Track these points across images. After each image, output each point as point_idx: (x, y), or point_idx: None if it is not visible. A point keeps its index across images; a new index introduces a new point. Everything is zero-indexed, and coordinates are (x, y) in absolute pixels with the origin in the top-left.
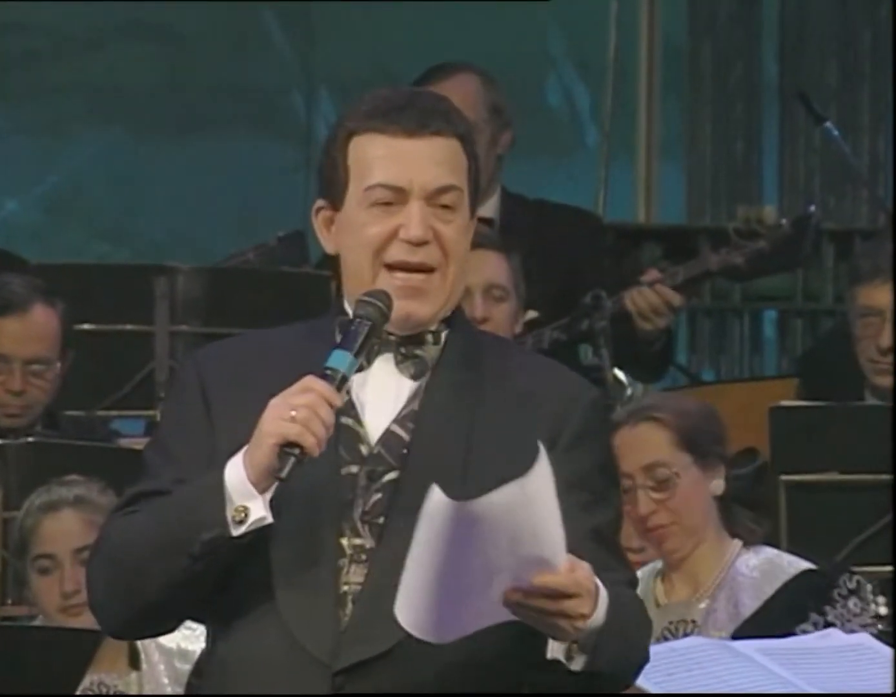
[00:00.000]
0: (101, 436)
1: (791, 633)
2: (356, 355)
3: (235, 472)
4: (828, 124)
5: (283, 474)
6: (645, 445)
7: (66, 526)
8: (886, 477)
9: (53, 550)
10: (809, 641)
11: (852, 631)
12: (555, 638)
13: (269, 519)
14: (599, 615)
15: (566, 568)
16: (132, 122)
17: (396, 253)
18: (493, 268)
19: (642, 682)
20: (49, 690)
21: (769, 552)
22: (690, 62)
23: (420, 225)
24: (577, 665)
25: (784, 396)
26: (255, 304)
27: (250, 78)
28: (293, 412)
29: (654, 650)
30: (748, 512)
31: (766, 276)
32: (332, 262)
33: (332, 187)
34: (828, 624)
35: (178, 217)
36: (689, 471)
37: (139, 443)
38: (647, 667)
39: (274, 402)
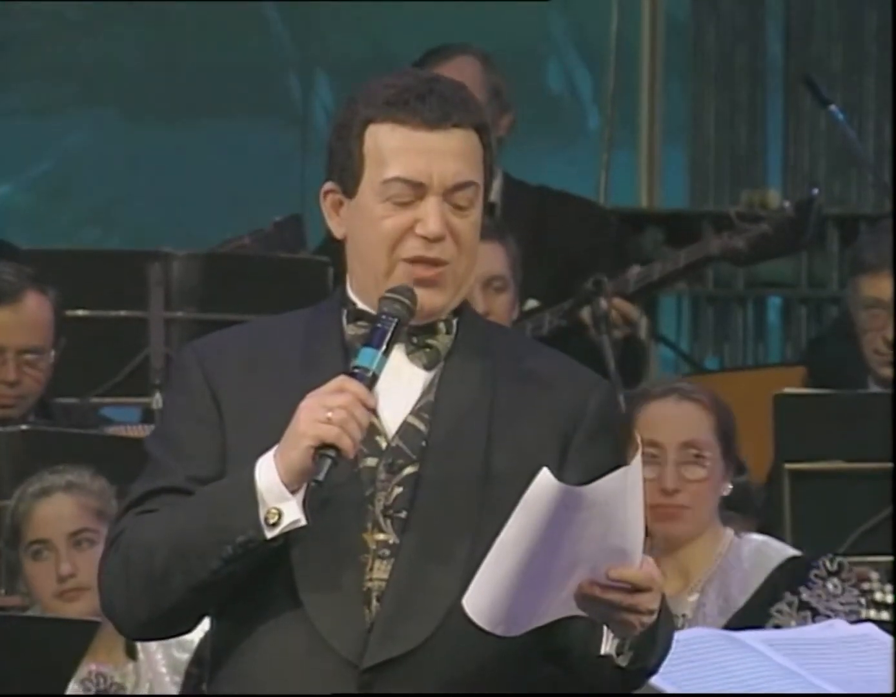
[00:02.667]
0: (94, 424)
1: (767, 616)
2: (385, 353)
3: (267, 474)
4: (833, 108)
5: (321, 477)
6: (688, 422)
7: (59, 509)
8: (891, 465)
9: (47, 535)
10: (814, 631)
11: (833, 610)
12: (617, 634)
13: (304, 522)
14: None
15: (640, 562)
16: (126, 105)
17: (412, 248)
18: (492, 259)
19: None
20: (43, 682)
21: (759, 541)
22: (694, 44)
23: (437, 222)
24: (625, 661)
25: (789, 384)
26: (252, 291)
27: (246, 60)
28: (329, 413)
29: None
30: (735, 514)
31: (768, 260)
32: (334, 247)
33: (345, 173)
34: (802, 605)
35: (171, 201)
36: (718, 462)
37: (133, 432)
38: None
39: (307, 403)
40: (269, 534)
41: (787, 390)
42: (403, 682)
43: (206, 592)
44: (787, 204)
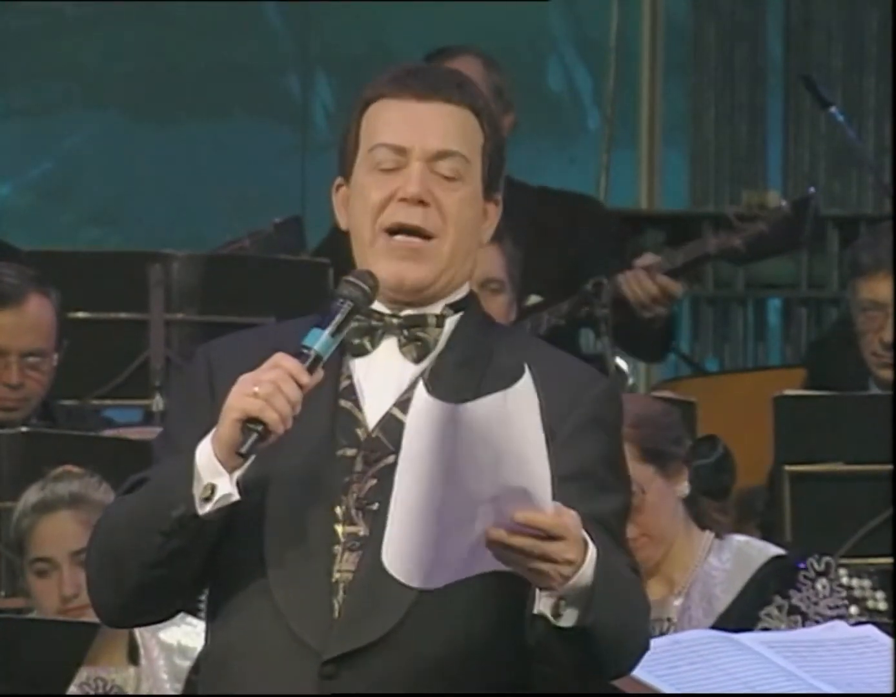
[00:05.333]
0: (95, 426)
1: (755, 619)
2: (333, 335)
3: (205, 450)
4: (833, 109)
5: (244, 450)
6: None
7: (62, 528)
8: (891, 467)
9: (51, 553)
10: (815, 633)
11: (821, 614)
12: (541, 588)
13: (236, 497)
14: (588, 571)
15: (552, 511)
16: (126, 105)
17: (393, 213)
18: (489, 261)
19: (645, 676)
20: (44, 683)
21: (740, 541)
22: (694, 44)
23: (417, 183)
24: (567, 620)
25: (789, 385)
26: (252, 292)
27: (246, 60)
28: (256, 388)
29: (657, 642)
30: (713, 502)
31: (766, 259)
32: (334, 248)
33: (345, 158)
34: (792, 609)
35: (171, 201)
36: (653, 484)
37: (134, 433)
38: (650, 660)
39: (242, 378)
40: (202, 510)
41: (787, 392)
42: (366, 674)
43: (158, 570)
44: (784, 203)
